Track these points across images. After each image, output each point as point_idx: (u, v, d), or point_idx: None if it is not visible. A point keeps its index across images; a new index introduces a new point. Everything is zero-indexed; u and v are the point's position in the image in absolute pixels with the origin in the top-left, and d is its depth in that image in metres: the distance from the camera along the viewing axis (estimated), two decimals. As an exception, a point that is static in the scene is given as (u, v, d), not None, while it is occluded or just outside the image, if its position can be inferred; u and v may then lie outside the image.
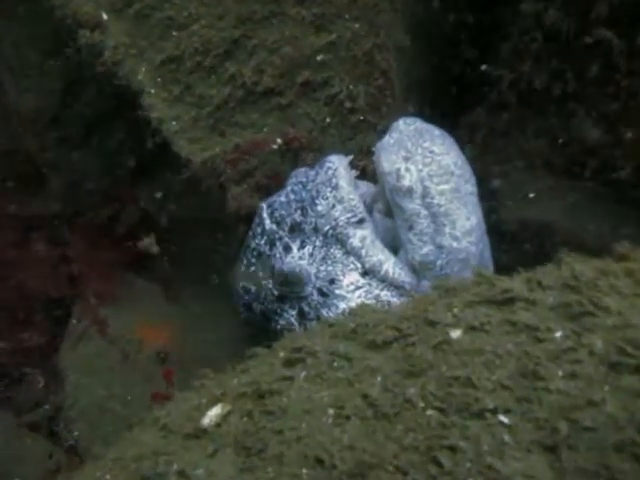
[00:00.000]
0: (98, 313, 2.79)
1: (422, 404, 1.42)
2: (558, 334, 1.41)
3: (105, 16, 2.37)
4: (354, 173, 2.00)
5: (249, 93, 2.36)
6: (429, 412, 1.41)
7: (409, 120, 1.92)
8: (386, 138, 1.91)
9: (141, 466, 1.44)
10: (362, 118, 2.30)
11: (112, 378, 2.61)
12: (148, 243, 3.03)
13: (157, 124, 2.42)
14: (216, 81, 2.37)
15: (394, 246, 2.02)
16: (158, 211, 3.55)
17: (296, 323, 1.94)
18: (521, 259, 2.67)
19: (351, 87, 2.27)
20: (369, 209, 2.05)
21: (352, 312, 1.77)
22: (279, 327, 1.97)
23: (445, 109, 2.58)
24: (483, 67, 2.58)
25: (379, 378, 1.52)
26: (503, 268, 2.66)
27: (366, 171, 2.27)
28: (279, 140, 2.34)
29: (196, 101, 2.41)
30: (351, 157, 2.03)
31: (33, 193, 3.43)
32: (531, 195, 2.59)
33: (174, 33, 2.36)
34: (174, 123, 2.41)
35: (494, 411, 1.33)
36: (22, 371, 2.99)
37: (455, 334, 1.53)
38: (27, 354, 3.02)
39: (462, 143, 2.67)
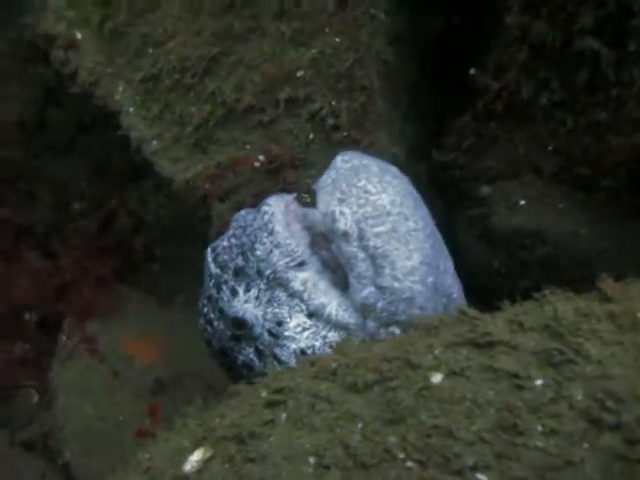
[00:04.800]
0: (87, 330, 2.78)
1: (402, 455, 1.42)
2: (538, 382, 1.39)
3: (79, 35, 2.30)
4: (298, 211, 1.91)
5: (230, 111, 2.31)
6: (409, 464, 1.40)
7: (347, 156, 1.82)
8: (324, 177, 1.83)
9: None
10: (346, 134, 2.25)
11: (102, 397, 2.61)
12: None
13: (137, 144, 2.37)
14: (196, 99, 2.32)
15: None
16: (148, 213, 3.52)
17: (256, 359, 1.95)
18: (513, 266, 2.66)
19: (333, 103, 2.21)
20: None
21: (335, 348, 1.75)
22: (240, 362, 1.97)
23: (433, 116, 2.53)
24: (472, 71, 2.51)
25: (359, 425, 1.51)
26: (498, 274, 2.67)
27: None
28: (261, 157, 2.30)
29: (176, 119, 2.36)
30: (294, 195, 1.97)
31: (22, 202, 3.40)
32: (521, 202, 2.56)
33: (150, 50, 2.30)
34: (155, 142, 2.37)
35: (473, 468, 1.32)
36: (16, 386, 3.00)
37: (436, 379, 1.52)
38: (19, 368, 3.02)
39: (450, 149, 2.65)
